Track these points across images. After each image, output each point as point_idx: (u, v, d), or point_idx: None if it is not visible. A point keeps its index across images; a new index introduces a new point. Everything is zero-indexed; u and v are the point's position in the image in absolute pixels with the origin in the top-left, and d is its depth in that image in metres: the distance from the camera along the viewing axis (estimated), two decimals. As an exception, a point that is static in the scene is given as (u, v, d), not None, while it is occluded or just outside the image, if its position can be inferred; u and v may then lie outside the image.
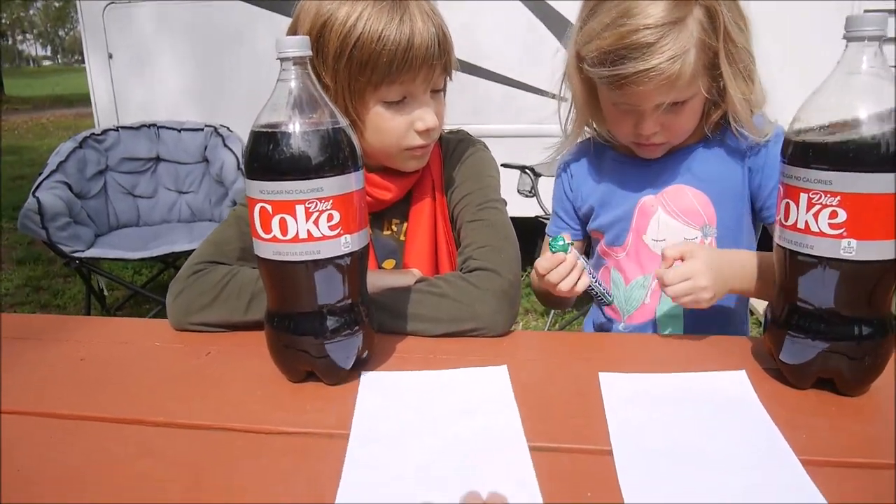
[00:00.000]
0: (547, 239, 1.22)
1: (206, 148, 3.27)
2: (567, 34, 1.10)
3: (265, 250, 0.78)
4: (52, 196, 2.85)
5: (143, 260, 2.93)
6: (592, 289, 1.05)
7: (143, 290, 3.28)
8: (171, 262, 3.40)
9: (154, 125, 3.32)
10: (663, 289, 0.93)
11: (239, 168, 3.06)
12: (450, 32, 1.03)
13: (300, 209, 0.74)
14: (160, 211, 3.40)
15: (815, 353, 0.75)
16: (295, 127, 0.75)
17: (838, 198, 0.69)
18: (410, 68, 0.98)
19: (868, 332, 0.74)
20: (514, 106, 3.10)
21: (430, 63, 0.99)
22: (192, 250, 2.91)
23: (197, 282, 1.01)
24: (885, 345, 0.75)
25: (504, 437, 0.70)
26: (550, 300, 1.17)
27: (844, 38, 0.71)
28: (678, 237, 1.10)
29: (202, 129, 3.27)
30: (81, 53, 3.67)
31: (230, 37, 3.48)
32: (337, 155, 0.76)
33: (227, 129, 3.24)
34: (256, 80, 3.42)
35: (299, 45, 0.76)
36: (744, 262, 0.97)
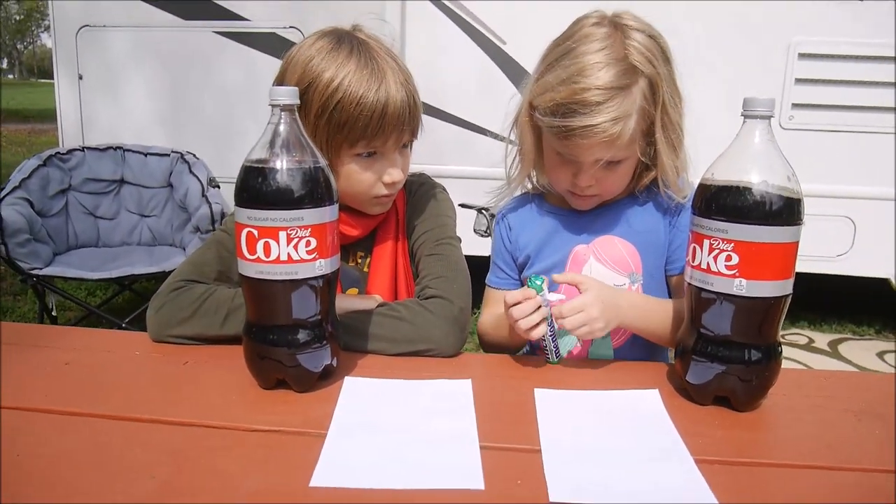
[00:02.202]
0: (489, 290, 1.33)
1: (171, 173, 3.34)
2: (523, 83, 1.21)
3: (249, 269, 0.89)
4: (13, 212, 2.88)
5: (100, 280, 2.97)
6: (545, 342, 1.08)
7: (99, 310, 3.30)
8: (128, 284, 3.44)
9: (121, 147, 3.37)
10: (559, 321, 1.02)
11: (203, 195, 3.13)
12: (419, 97, 1.16)
13: (283, 235, 0.86)
14: (120, 233, 3.44)
15: (714, 374, 0.89)
16: (282, 164, 0.87)
17: (732, 244, 0.84)
18: (383, 131, 1.11)
19: (757, 357, 0.89)
20: (471, 148, 3.26)
21: (401, 127, 1.13)
22: (151, 273, 2.98)
23: (177, 298, 1.11)
24: (771, 368, 0.90)
25: (462, 436, 0.83)
26: (498, 349, 1.23)
27: (742, 115, 0.87)
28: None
29: (169, 155, 3.34)
30: (39, 69, 3.70)
31: (200, 65, 3.58)
32: (316, 190, 0.88)
33: (194, 155, 3.32)
34: (224, 109, 3.53)
35: (289, 95, 0.88)
36: (634, 301, 1.12)
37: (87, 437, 0.82)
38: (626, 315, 1.08)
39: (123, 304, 3.73)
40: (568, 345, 1.25)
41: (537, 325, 1.03)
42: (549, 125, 1.10)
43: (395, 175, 1.16)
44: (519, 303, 1.03)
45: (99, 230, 3.40)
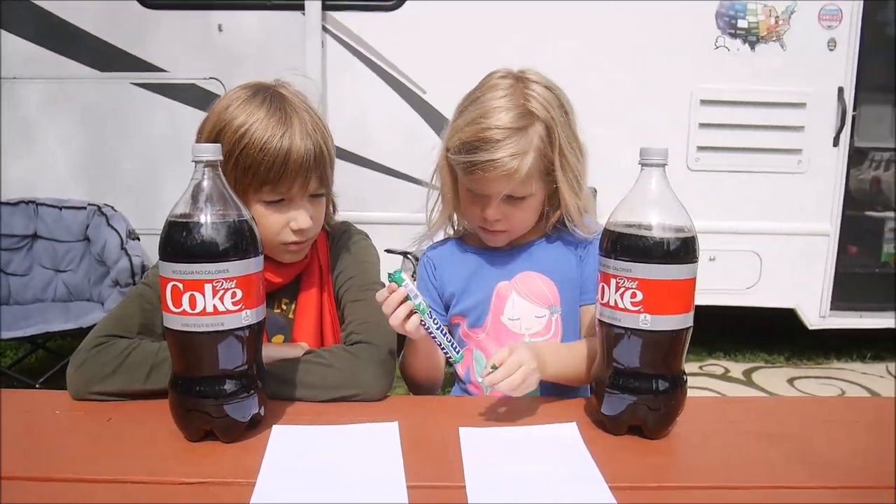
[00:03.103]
0: None
1: (87, 226, 3.25)
2: (443, 132, 1.30)
3: (174, 322, 0.90)
4: (-83, 271, 2.75)
5: (12, 340, 2.85)
6: (435, 336, 1.08)
7: (10, 371, 3.15)
8: (42, 342, 3.30)
9: (33, 202, 3.28)
10: (492, 386, 1.02)
11: (123, 248, 3.07)
12: (331, 147, 1.20)
13: (208, 287, 0.88)
14: (33, 289, 3.31)
15: (626, 404, 0.95)
16: (206, 218, 0.89)
17: (636, 282, 0.91)
18: (286, 177, 1.14)
19: (665, 386, 0.95)
20: (395, 195, 3.31)
21: (305, 174, 1.16)
22: (68, 330, 2.88)
23: (100, 353, 1.10)
24: (677, 396, 0.96)
25: (389, 478, 0.85)
26: (412, 383, 1.30)
27: (639, 163, 0.94)
28: (530, 316, 1.29)
29: (85, 208, 3.26)
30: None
31: (118, 117, 3.52)
32: (241, 242, 0.90)
33: (112, 208, 3.25)
34: (144, 160, 3.47)
35: (212, 152, 0.91)
36: (558, 350, 1.19)
37: (7, 501, 0.80)
38: (547, 366, 1.11)
39: (36, 363, 3.57)
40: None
41: (408, 317, 1.05)
42: (458, 162, 1.21)
43: (301, 222, 1.18)
44: (385, 299, 1.06)
45: (10, 287, 3.27)
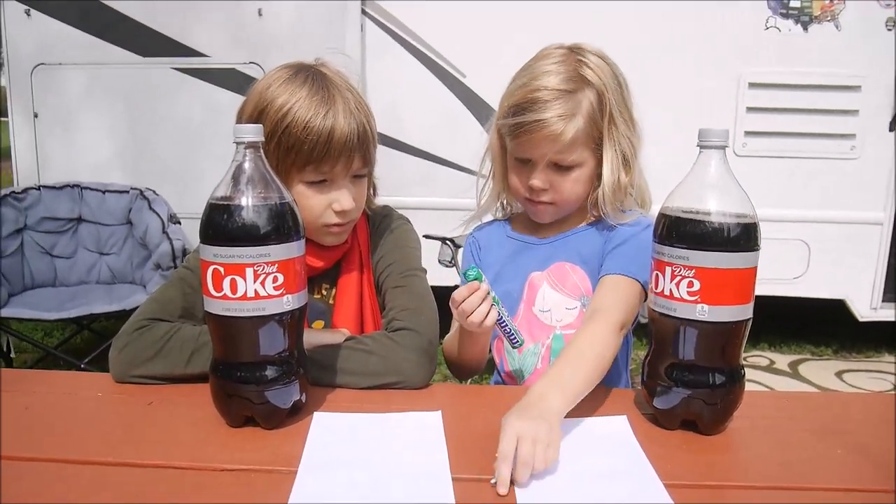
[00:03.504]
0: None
1: (130, 210, 3.29)
2: (492, 117, 1.28)
3: (216, 307, 0.88)
4: (-33, 254, 2.81)
5: (58, 321, 2.90)
6: (505, 324, 1.10)
7: (56, 351, 3.21)
8: (86, 324, 3.36)
9: (78, 185, 3.32)
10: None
11: (164, 231, 3.10)
12: (373, 127, 1.18)
13: (249, 272, 0.86)
14: (78, 272, 3.37)
15: (680, 398, 0.91)
16: (247, 201, 0.87)
17: (693, 271, 0.86)
18: (330, 156, 1.12)
19: (721, 380, 0.91)
20: (435, 180, 3.28)
21: (349, 154, 1.13)
22: (111, 312, 2.91)
23: (141, 337, 1.09)
24: (735, 391, 0.91)
25: (434, 469, 0.83)
26: (461, 368, 1.28)
27: (698, 145, 0.90)
28: (561, 307, 1.25)
29: (128, 192, 3.30)
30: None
31: (159, 102, 3.55)
32: (282, 226, 0.88)
33: (153, 192, 3.28)
34: (184, 145, 3.50)
35: (253, 132, 0.89)
36: (549, 395, 0.92)
37: (49, 484, 0.80)
38: (547, 413, 0.88)
39: (82, 344, 3.64)
40: (527, 367, 1.27)
41: (488, 313, 1.06)
42: (505, 125, 1.19)
43: (344, 202, 1.16)
44: (466, 298, 1.06)
45: (56, 269, 3.33)
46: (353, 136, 1.12)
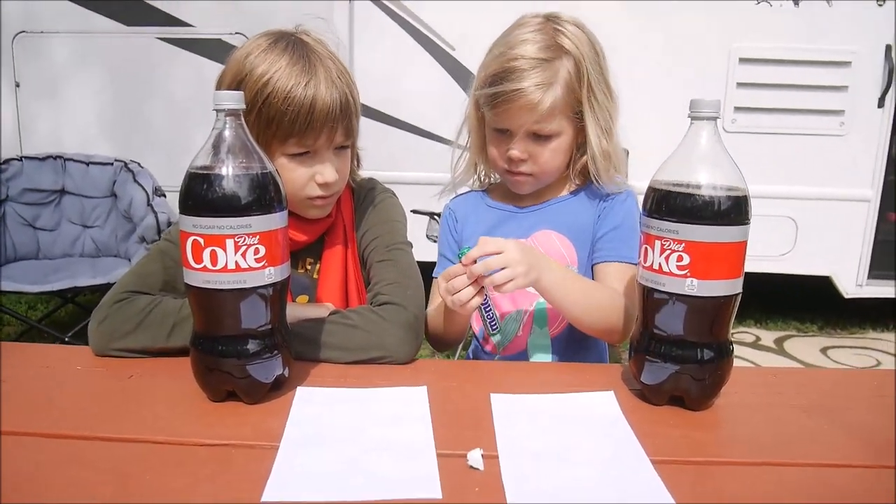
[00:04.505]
0: (436, 282, 1.33)
1: (114, 183, 3.24)
2: (471, 82, 1.27)
3: (195, 279, 0.86)
4: (-53, 225, 2.77)
5: (41, 293, 2.87)
6: (489, 309, 1.11)
7: (40, 325, 3.18)
8: (71, 297, 3.32)
9: (61, 157, 3.27)
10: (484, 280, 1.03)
11: (149, 204, 3.06)
12: (356, 96, 1.15)
13: (230, 243, 0.84)
14: (62, 244, 3.33)
15: (668, 374, 0.90)
16: (227, 170, 0.84)
17: (683, 244, 0.85)
18: (312, 128, 1.09)
19: (710, 356, 0.89)
20: (423, 154, 3.25)
21: (331, 125, 1.11)
22: (95, 285, 2.88)
23: (121, 309, 1.07)
24: (723, 367, 0.91)
25: (418, 445, 0.81)
26: (440, 340, 1.28)
27: (689, 116, 0.88)
28: None
29: (112, 164, 3.25)
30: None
31: (144, 72, 3.50)
32: (264, 196, 0.86)
33: (138, 164, 3.23)
34: (169, 116, 3.45)
35: (234, 100, 0.86)
36: (554, 265, 1.11)
37: (25, 457, 0.78)
38: (544, 269, 1.07)
39: (66, 317, 3.61)
40: (508, 334, 1.27)
41: (474, 296, 1.05)
42: (483, 96, 1.19)
43: (327, 175, 1.14)
44: (456, 275, 1.06)
45: (39, 242, 3.29)
46: (336, 107, 1.10)
